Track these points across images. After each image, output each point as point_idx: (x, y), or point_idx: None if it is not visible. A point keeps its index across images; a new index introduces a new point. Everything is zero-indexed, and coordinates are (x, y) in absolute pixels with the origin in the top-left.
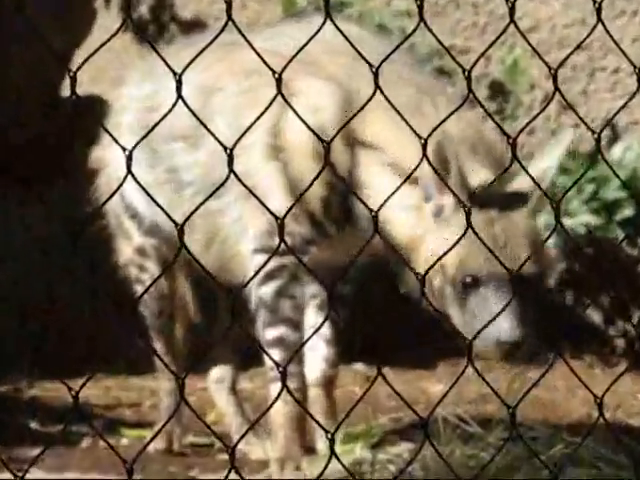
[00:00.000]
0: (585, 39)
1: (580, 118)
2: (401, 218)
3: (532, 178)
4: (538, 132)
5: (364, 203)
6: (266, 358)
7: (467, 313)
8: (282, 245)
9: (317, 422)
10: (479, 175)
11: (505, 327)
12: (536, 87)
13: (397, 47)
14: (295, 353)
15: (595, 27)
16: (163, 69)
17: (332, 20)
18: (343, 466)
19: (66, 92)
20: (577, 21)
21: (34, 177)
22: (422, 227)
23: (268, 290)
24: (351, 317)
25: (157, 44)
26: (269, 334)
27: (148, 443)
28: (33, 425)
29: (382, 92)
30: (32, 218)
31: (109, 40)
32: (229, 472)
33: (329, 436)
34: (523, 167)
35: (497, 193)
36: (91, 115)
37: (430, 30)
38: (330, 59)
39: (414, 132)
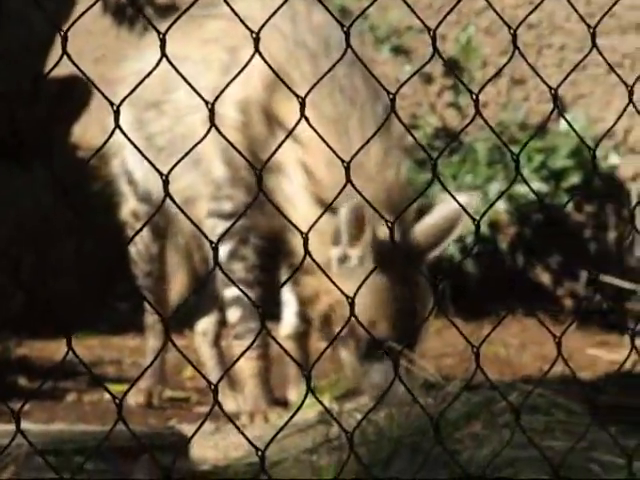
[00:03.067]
0: (528, 15)
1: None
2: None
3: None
4: (490, 105)
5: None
6: (227, 316)
7: (360, 369)
8: (226, 209)
9: (294, 360)
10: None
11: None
12: (488, 64)
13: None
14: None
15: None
16: (149, 46)
17: None
18: (320, 402)
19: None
20: (526, 2)
21: (23, 151)
22: (321, 257)
23: (220, 253)
24: None
25: (134, 27)
26: (227, 294)
27: (123, 397)
28: (22, 382)
29: (262, 57)
30: (20, 188)
31: (92, 6)
32: (212, 407)
33: (305, 373)
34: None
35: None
36: (73, 94)
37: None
38: (274, 39)
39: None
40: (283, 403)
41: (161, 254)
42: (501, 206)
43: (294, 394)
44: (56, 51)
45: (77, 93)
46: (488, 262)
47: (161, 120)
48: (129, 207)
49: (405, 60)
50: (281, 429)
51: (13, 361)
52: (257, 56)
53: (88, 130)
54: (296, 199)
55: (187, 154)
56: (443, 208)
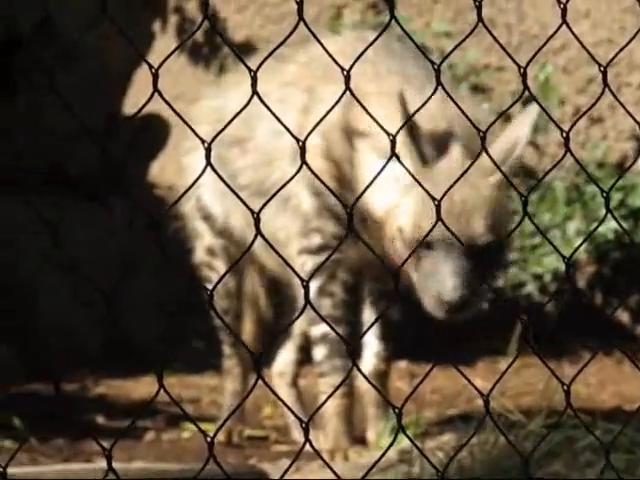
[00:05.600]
0: (614, 57)
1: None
2: (381, 193)
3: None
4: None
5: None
6: (313, 354)
7: (420, 274)
8: (315, 242)
9: (383, 396)
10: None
11: (447, 288)
12: (566, 102)
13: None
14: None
15: (625, 46)
16: (231, 84)
17: (397, 21)
18: (410, 440)
19: (127, 110)
20: (604, 40)
21: (101, 190)
22: (398, 196)
23: (309, 290)
24: (398, 316)
25: (209, 66)
26: (314, 331)
27: (214, 435)
28: (100, 420)
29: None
30: (97, 230)
31: (182, 44)
32: (303, 446)
33: (396, 411)
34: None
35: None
36: (151, 132)
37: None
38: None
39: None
40: (361, 442)
41: (238, 291)
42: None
43: (373, 433)
44: (132, 88)
45: (155, 131)
46: (567, 300)
47: (245, 158)
48: (204, 245)
49: (483, 98)
50: (370, 469)
51: (90, 400)
52: (334, 86)
53: (166, 168)
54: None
55: (276, 193)
56: (506, 135)
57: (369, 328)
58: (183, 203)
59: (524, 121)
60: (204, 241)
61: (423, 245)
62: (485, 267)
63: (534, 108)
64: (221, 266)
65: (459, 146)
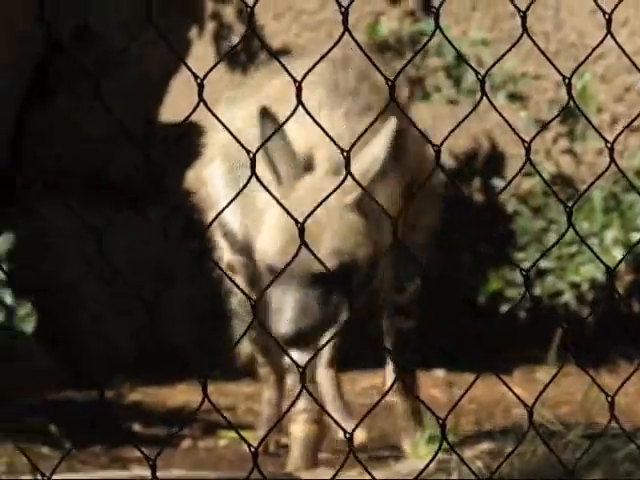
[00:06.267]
0: None
1: None
2: None
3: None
4: (606, 152)
5: None
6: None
7: (268, 301)
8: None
9: (427, 407)
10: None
11: (282, 320)
12: (604, 110)
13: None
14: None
15: None
16: (241, 96)
17: (352, 38)
18: (453, 450)
19: (164, 117)
20: None
21: (138, 197)
22: None
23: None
24: (430, 326)
25: (247, 73)
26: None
27: (258, 445)
28: (136, 427)
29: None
30: (134, 237)
31: (226, 54)
32: (347, 456)
33: (440, 422)
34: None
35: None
36: (188, 140)
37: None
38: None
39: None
40: (397, 451)
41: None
42: (617, 253)
43: (408, 444)
44: (168, 96)
45: (193, 139)
46: (604, 309)
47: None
48: (225, 260)
49: (520, 106)
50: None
51: (126, 407)
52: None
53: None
54: None
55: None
56: (365, 152)
57: (387, 349)
58: (205, 215)
59: (382, 139)
60: (225, 257)
61: (269, 271)
62: (342, 292)
63: (391, 125)
64: (241, 283)
65: (324, 164)
